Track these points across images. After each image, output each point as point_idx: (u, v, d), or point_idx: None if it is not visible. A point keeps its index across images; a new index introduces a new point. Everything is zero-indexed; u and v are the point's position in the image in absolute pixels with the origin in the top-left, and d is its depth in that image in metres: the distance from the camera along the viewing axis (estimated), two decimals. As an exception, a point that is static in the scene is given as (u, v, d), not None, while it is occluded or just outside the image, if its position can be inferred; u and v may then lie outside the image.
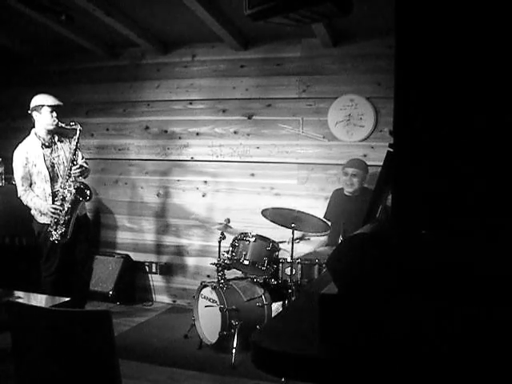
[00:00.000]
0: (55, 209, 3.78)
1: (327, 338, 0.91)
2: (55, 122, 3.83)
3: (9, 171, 4.83)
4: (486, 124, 0.89)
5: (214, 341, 3.60)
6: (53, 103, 3.84)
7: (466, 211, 0.90)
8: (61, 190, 3.85)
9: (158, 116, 5.10)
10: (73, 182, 3.84)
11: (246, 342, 3.41)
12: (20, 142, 3.93)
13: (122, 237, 5.25)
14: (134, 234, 5.22)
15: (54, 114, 3.84)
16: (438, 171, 0.91)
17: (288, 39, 4.64)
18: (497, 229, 0.88)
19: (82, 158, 4.08)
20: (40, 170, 3.85)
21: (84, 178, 4.02)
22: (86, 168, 3.99)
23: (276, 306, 3.78)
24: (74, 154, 3.87)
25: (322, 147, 4.60)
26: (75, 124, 3.86)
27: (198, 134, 4.98)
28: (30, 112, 3.87)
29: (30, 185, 3.87)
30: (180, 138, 5.04)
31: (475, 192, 0.89)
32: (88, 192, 3.85)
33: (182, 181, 5.06)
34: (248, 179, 4.83)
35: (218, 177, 4.93)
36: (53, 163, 3.91)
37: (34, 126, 3.93)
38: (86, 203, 4.11)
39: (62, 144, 4.00)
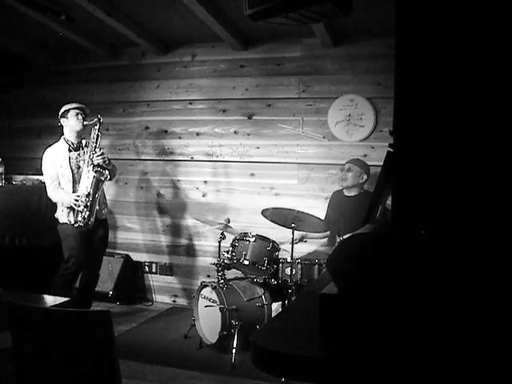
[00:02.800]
0: (78, 196, 3.88)
1: (327, 338, 0.91)
2: (81, 123, 4.00)
3: (9, 171, 4.84)
4: (487, 123, 0.89)
5: (213, 341, 3.60)
6: (77, 106, 4.03)
7: (466, 211, 0.90)
8: (84, 179, 3.94)
9: (158, 116, 5.10)
10: (95, 169, 3.90)
11: (246, 342, 3.41)
12: (48, 147, 4.07)
13: (122, 237, 5.25)
14: (133, 234, 5.22)
15: (80, 116, 4.01)
16: (437, 171, 0.91)
17: (288, 39, 4.63)
18: (497, 229, 0.88)
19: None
20: (65, 171, 3.97)
21: (110, 173, 4.04)
22: (109, 160, 4.03)
23: (276, 306, 3.78)
24: (96, 142, 3.95)
25: (322, 147, 4.60)
26: (96, 116, 3.99)
27: (198, 134, 4.98)
28: (58, 123, 4.04)
29: (59, 184, 3.99)
30: (180, 138, 5.04)
31: (475, 192, 0.89)
32: (106, 171, 3.92)
33: (182, 181, 5.06)
34: (248, 179, 4.83)
35: (218, 177, 4.93)
36: (78, 165, 4.02)
37: (62, 134, 4.08)
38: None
39: (88, 147, 4.07)
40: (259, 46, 4.77)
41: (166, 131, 5.09)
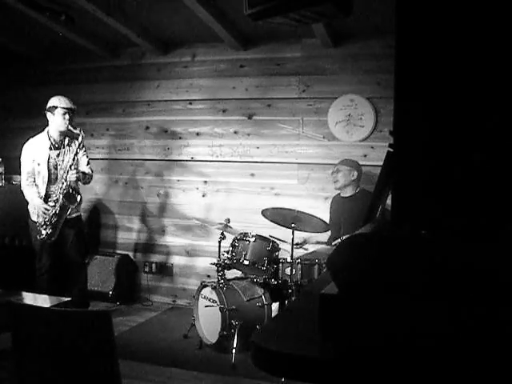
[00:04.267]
0: (46, 209, 3.90)
1: (327, 338, 0.91)
2: (66, 125, 3.95)
3: (9, 171, 4.84)
4: (487, 124, 0.89)
5: (214, 341, 3.60)
6: (66, 105, 3.98)
7: (467, 211, 0.90)
8: (56, 193, 3.95)
9: (158, 116, 5.10)
10: (67, 186, 3.92)
11: (246, 342, 3.41)
12: (31, 137, 4.07)
13: (122, 237, 5.25)
14: (133, 234, 5.22)
15: (67, 116, 3.97)
16: (437, 171, 0.92)
17: (288, 39, 4.63)
18: (497, 229, 0.88)
19: (88, 163, 4.18)
20: (41, 170, 3.97)
21: (84, 183, 4.12)
22: (86, 174, 4.07)
23: (276, 306, 3.78)
24: (73, 159, 3.93)
25: (322, 147, 4.60)
26: (80, 131, 3.95)
27: (198, 134, 4.98)
28: (44, 112, 4.01)
29: (34, 180, 4.00)
30: (180, 138, 5.04)
31: (476, 192, 0.89)
32: (77, 198, 3.96)
33: (182, 181, 5.06)
34: (248, 179, 4.83)
35: (218, 177, 4.93)
36: (56, 165, 4.01)
37: (47, 125, 4.07)
38: (85, 203, 4.17)
39: (71, 148, 4.07)
40: (259, 45, 4.77)
41: (166, 131, 5.09)
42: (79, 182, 4.04)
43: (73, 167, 3.91)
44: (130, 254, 5.17)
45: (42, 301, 2.70)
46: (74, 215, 4.10)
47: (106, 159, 5.28)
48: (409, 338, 0.85)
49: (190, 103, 5.00)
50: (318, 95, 4.60)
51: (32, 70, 5.46)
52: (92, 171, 4.21)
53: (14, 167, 4.93)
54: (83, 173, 4.02)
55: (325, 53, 4.56)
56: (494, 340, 0.81)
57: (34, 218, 4.00)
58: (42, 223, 3.92)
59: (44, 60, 5.39)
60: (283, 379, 2.75)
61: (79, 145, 3.97)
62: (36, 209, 3.97)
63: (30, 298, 2.68)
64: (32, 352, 1.82)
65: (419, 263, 0.86)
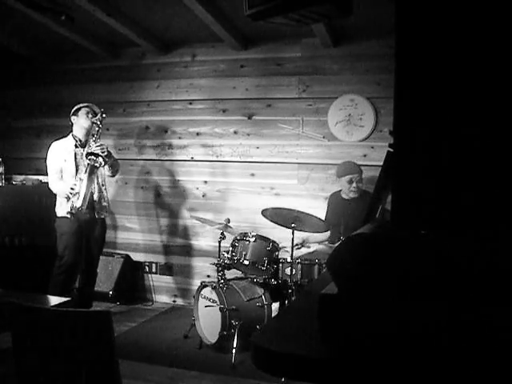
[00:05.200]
0: (74, 185, 3.91)
1: (327, 338, 0.91)
2: (90, 121, 4.08)
3: (9, 171, 4.84)
4: (487, 124, 0.89)
5: (213, 341, 3.60)
6: (88, 105, 4.14)
7: (467, 211, 0.90)
8: (81, 169, 4.02)
9: (158, 116, 5.10)
10: (92, 154, 3.93)
11: (246, 342, 3.41)
12: (57, 139, 4.19)
13: (122, 237, 5.25)
14: (133, 234, 5.22)
15: (90, 114, 4.10)
16: (438, 171, 0.92)
17: (288, 39, 4.64)
18: (497, 229, 0.88)
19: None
20: (68, 166, 4.04)
21: (112, 171, 4.18)
22: (109, 153, 4.05)
23: (276, 306, 3.78)
24: (96, 134, 4.00)
25: (322, 147, 4.60)
26: (101, 112, 4.09)
27: (198, 134, 4.98)
28: (70, 120, 4.15)
29: (61, 178, 4.05)
30: (180, 138, 5.04)
31: (476, 192, 0.89)
32: (100, 159, 3.92)
33: (182, 181, 5.06)
34: (248, 179, 4.83)
35: (218, 177, 4.93)
36: (81, 164, 4.06)
37: (71, 130, 4.18)
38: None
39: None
40: (259, 45, 4.77)
41: (166, 131, 5.09)
42: (99, 160, 3.95)
43: (96, 139, 3.97)
44: (130, 254, 5.17)
45: (42, 301, 2.70)
46: (102, 216, 4.18)
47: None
48: (409, 338, 0.85)
49: (190, 103, 5.00)
50: (317, 95, 4.60)
51: (32, 70, 5.46)
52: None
53: (14, 167, 4.94)
54: (102, 145, 3.98)
55: (325, 53, 4.56)
56: (494, 340, 0.81)
57: (61, 212, 4.01)
58: (72, 196, 3.89)
59: (44, 60, 5.38)
60: (283, 379, 2.75)
61: (100, 121, 4.03)
62: (62, 194, 3.96)
63: (29, 298, 2.68)
64: (32, 352, 1.82)
65: (419, 263, 0.86)
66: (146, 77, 5.12)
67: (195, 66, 4.99)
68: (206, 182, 4.97)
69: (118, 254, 5.12)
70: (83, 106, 4.11)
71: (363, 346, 0.88)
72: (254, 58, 4.80)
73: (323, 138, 4.59)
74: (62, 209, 4.02)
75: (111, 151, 4.13)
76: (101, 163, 3.93)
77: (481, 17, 0.89)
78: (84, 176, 3.90)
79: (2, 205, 4.53)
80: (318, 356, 0.87)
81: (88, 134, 4.13)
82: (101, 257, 4.98)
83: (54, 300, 2.62)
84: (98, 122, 4.02)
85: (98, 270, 4.42)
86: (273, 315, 3.71)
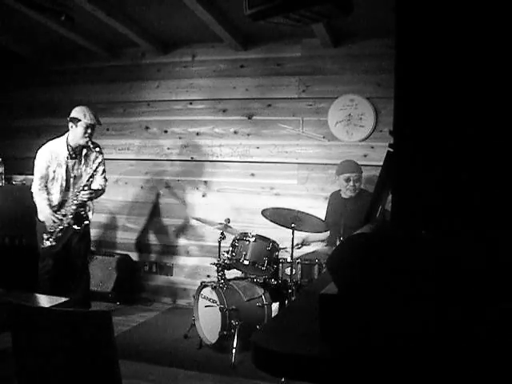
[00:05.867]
0: (54, 221, 3.88)
1: (327, 338, 0.91)
2: (86, 139, 3.94)
3: (9, 171, 4.85)
4: (487, 124, 0.89)
5: (213, 341, 3.60)
6: (89, 121, 3.93)
7: (467, 211, 0.90)
8: (67, 207, 3.94)
9: (158, 116, 5.10)
10: (77, 204, 3.91)
11: (246, 342, 3.41)
12: (51, 139, 4.04)
13: (122, 237, 5.25)
14: (133, 234, 5.22)
15: (89, 130, 3.95)
16: (438, 171, 0.92)
17: (288, 39, 4.64)
18: (497, 229, 0.88)
19: (104, 177, 4.14)
20: (57, 178, 3.96)
21: (95, 197, 4.11)
22: (99, 190, 4.06)
23: (276, 306, 3.78)
24: (88, 180, 3.92)
25: (322, 147, 4.60)
26: (100, 150, 3.98)
27: (198, 133, 4.98)
28: (68, 119, 3.98)
29: (46, 185, 3.97)
30: (180, 138, 5.04)
31: (476, 192, 0.89)
32: (84, 221, 3.97)
33: (182, 181, 5.06)
34: (248, 179, 4.84)
35: (218, 177, 4.93)
36: (72, 176, 4.01)
37: (67, 131, 4.04)
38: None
39: (88, 160, 4.07)
40: (259, 46, 4.77)
41: (166, 131, 5.09)
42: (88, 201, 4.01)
43: (86, 188, 3.90)
44: (130, 254, 5.17)
45: (42, 301, 2.70)
46: (82, 225, 4.10)
47: (106, 159, 5.25)
48: (408, 338, 0.85)
49: (190, 103, 5.00)
50: (317, 95, 4.61)
51: (32, 70, 5.46)
52: (106, 180, 4.17)
53: (14, 167, 4.94)
54: (95, 190, 3.99)
55: (325, 53, 4.57)
56: (493, 340, 0.81)
57: (40, 218, 3.96)
58: (48, 233, 3.87)
59: (44, 60, 5.39)
60: (283, 379, 2.75)
61: (98, 164, 3.98)
62: (44, 216, 3.91)
63: (29, 298, 2.68)
64: (32, 352, 1.82)
65: (419, 263, 0.86)
66: (145, 77, 5.12)
67: (195, 66, 4.99)
68: (205, 182, 4.97)
69: (118, 253, 5.11)
70: (84, 121, 3.90)
71: (363, 345, 0.88)
72: (254, 58, 4.80)
73: (323, 138, 4.59)
74: (41, 217, 3.96)
75: (99, 187, 4.06)
76: (80, 225, 3.94)
77: (480, 17, 0.89)
78: (65, 224, 3.88)
79: (1, 205, 4.54)
80: (317, 356, 0.87)
81: (81, 146, 4.01)
82: (101, 257, 5.01)
83: (54, 300, 2.62)
84: (97, 161, 3.96)
85: (90, 271, 4.40)
86: (273, 315, 3.71)
